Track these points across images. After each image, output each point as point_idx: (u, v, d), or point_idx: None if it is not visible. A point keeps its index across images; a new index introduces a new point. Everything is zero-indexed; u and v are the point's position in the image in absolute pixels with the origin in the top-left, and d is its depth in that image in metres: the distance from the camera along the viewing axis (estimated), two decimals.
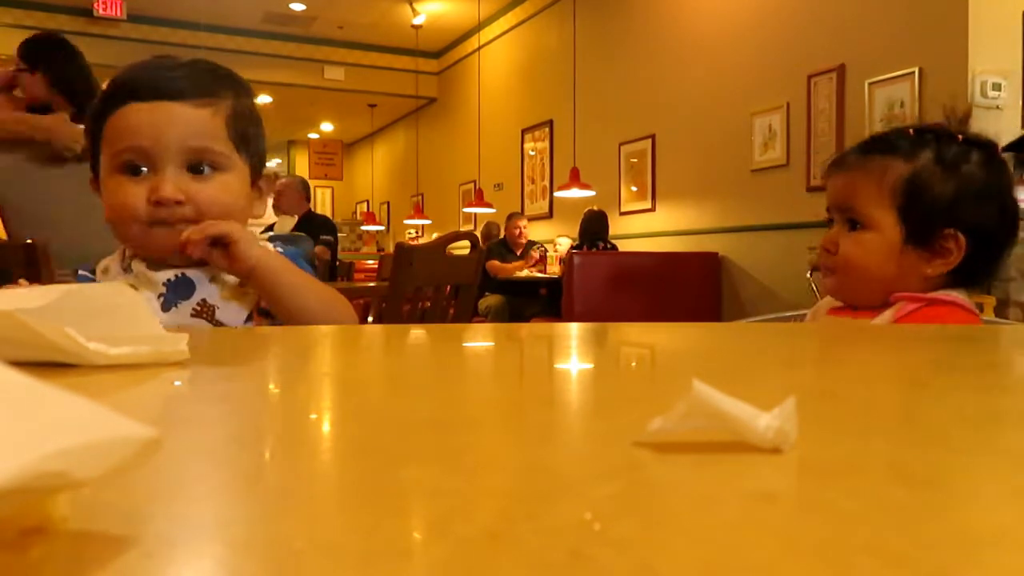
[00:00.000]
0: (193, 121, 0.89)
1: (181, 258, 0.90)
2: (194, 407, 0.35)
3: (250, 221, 1.03)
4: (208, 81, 0.93)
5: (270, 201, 4.49)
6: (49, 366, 0.40)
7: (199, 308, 0.91)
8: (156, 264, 0.92)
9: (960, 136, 1.00)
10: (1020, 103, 3.74)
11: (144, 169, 0.89)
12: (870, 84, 4.14)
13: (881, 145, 1.02)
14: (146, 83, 0.90)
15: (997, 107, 3.67)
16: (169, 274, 0.91)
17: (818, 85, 4.49)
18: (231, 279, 0.93)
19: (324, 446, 0.28)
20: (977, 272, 1.00)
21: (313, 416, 0.34)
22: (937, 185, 0.97)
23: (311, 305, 0.90)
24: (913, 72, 3.90)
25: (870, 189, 0.99)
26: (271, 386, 0.42)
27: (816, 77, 4.49)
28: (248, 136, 0.95)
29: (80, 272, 0.97)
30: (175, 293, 0.91)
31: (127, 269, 0.93)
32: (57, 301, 0.43)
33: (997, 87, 3.68)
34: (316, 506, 0.20)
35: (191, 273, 0.91)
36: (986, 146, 1.01)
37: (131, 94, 0.90)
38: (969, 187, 0.98)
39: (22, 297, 0.42)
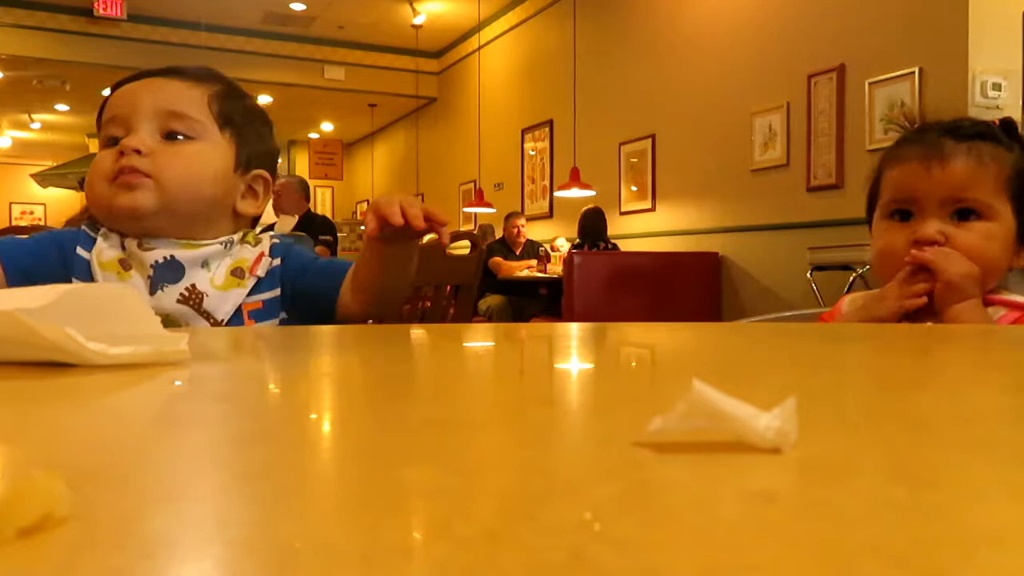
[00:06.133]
0: (171, 90, 0.93)
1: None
2: (194, 407, 0.35)
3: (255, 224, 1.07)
4: (202, 72, 0.97)
5: (269, 203, 4.49)
6: (49, 366, 0.40)
7: (187, 294, 0.90)
8: (146, 242, 0.92)
9: None
10: (1020, 103, 3.74)
11: (120, 138, 0.91)
12: (870, 84, 4.14)
13: (978, 133, 0.95)
14: (139, 74, 0.96)
15: (997, 107, 3.67)
16: (158, 255, 0.90)
17: (818, 85, 4.48)
18: (225, 268, 0.93)
19: (324, 446, 0.28)
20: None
21: (313, 416, 0.34)
22: None
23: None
24: (913, 72, 3.90)
25: (990, 178, 0.92)
26: (271, 386, 0.42)
27: (816, 77, 4.49)
28: (235, 120, 0.97)
29: (83, 227, 0.95)
30: (162, 275, 0.90)
31: (123, 246, 0.93)
32: (57, 301, 0.43)
33: (997, 87, 3.68)
34: (316, 506, 0.20)
35: (181, 255, 0.91)
36: None
37: (124, 82, 0.96)
38: None
39: (22, 297, 0.42)
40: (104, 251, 0.91)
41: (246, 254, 0.96)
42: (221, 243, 0.94)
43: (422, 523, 0.18)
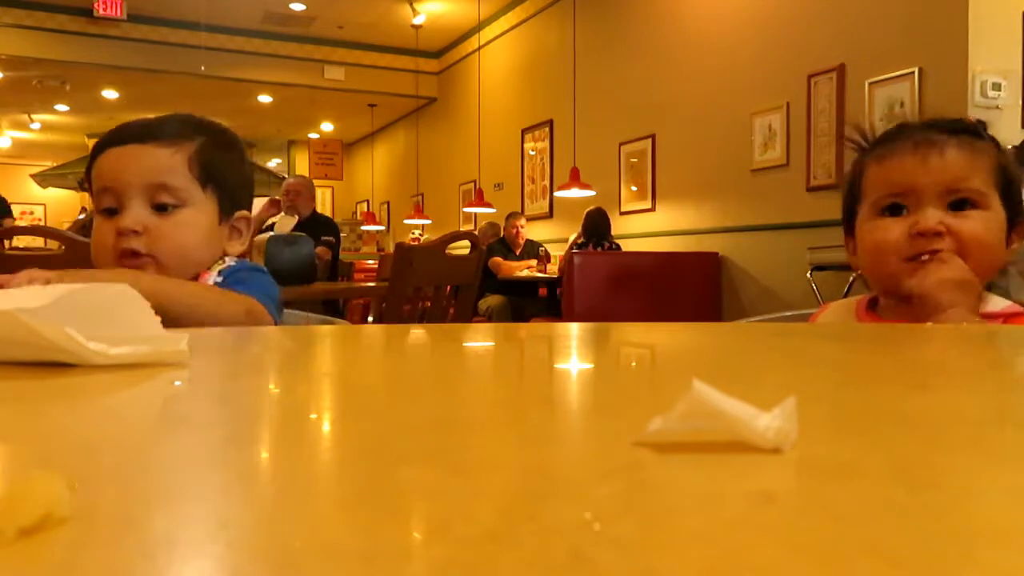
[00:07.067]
0: (154, 161, 0.98)
1: None
2: (194, 407, 0.35)
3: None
4: (177, 126, 1.01)
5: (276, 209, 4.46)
6: (49, 366, 0.40)
7: None
8: None
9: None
10: (1020, 103, 3.74)
11: (116, 208, 0.97)
12: (870, 84, 4.14)
13: (963, 128, 0.96)
14: (121, 131, 1.00)
15: (997, 107, 3.67)
16: None
17: (818, 85, 4.48)
18: None
19: (324, 446, 0.28)
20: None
21: (313, 416, 0.34)
22: (1013, 168, 0.96)
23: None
24: (913, 72, 3.90)
25: (983, 168, 0.93)
26: (271, 386, 0.42)
27: (816, 77, 4.49)
28: (219, 174, 1.02)
29: None
30: None
31: None
32: (57, 301, 0.43)
33: (997, 87, 3.68)
34: (316, 506, 0.20)
35: None
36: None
37: (107, 143, 1.00)
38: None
39: (22, 297, 0.42)
40: None
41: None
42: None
43: (422, 523, 0.18)
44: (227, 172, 1.04)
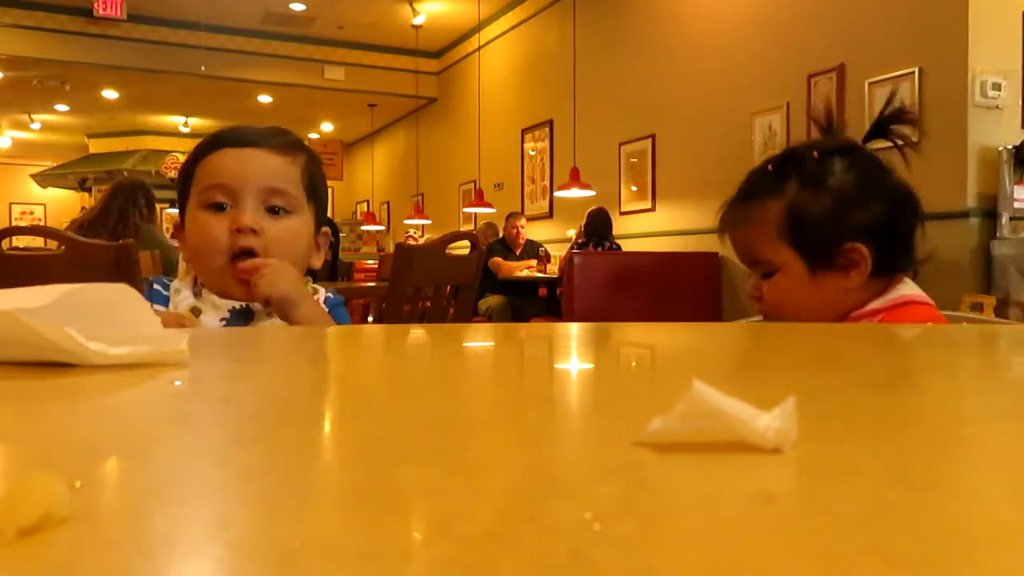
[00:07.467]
0: (274, 165, 1.01)
1: (246, 295, 0.99)
2: (194, 407, 0.35)
3: None
4: (289, 139, 1.06)
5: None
6: (49, 366, 0.40)
7: None
8: (224, 295, 1.01)
9: (816, 152, 1.00)
10: (1020, 103, 3.73)
11: (227, 205, 0.99)
12: (870, 84, 4.14)
13: (750, 191, 1.03)
14: (235, 134, 1.03)
15: (997, 107, 3.67)
16: (235, 304, 1.00)
17: (818, 85, 4.48)
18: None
19: (324, 446, 0.28)
20: (898, 262, 0.98)
21: (313, 416, 0.34)
22: (812, 206, 0.97)
23: None
24: (913, 72, 3.90)
25: (758, 236, 1.00)
26: (271, 386, 0.42)
27: (816, 77, 4.49)
28: (318, 189, 1.07)
29: (155, 286, 1.03)
30: (235, 320, 1.00)
31: (197, 294, 1.02)
32: (57, 301, 0.43)
33: (997, 87, 3.68)
34: (316, 506, 0.20)
35: (253, 305, 1.01)
36: (846, 149, 1.01)
37: (222, 143, 1.02)
38: (844, 195, 0.97)
39: (22, 297, 0.42)
40: (178, 305, 1.01)
41: None
42: None
43: (422, 523, 0.18)
44: (321, 189, 1.09)
